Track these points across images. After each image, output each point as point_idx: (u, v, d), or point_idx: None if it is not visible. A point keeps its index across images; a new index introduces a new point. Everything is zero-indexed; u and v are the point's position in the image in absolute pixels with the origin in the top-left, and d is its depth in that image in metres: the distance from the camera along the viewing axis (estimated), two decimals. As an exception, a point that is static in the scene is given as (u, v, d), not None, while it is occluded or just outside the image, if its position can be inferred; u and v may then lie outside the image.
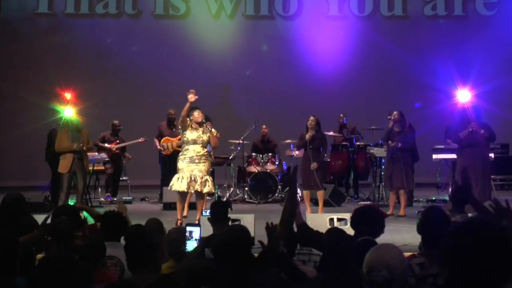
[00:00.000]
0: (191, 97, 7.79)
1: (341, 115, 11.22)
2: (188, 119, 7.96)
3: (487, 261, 1.77)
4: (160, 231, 4.49)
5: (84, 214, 5.49)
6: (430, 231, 3.43)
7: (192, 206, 8.39)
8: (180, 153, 8.01)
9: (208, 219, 5.09)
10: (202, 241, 4.30)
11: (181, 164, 7.90)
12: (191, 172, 7.81)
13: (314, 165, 8.63)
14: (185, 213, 8.50)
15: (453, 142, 9.18)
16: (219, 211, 4.92)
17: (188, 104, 7.85)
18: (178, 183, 7.81)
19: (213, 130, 8.05)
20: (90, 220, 5.30)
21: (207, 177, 7.90)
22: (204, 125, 8.00)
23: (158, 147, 10.48)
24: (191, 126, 7.95)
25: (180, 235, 4.20)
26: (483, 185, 8.33)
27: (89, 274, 2.42)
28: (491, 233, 1.81)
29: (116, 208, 5.04)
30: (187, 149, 7.90)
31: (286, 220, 3.64)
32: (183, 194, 7.95)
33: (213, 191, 8.31)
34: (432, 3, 13.71)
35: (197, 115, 7.96)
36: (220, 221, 4.82)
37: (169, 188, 8.19)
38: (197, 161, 7.85)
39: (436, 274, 3.17)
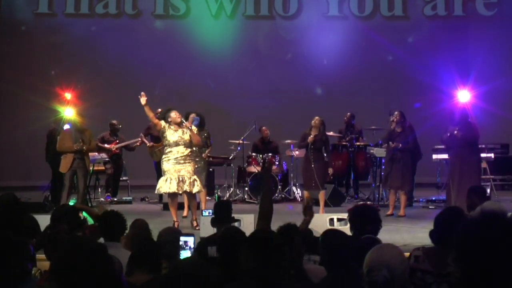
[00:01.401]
0: (142, 100, 7.58)
1: (348, 114, 11.15)
2: (161, 122, 7.74)
3: (500, 256, 1.72)
4: (147, 231, 4.51)
5: (84, 214, 5.49)
6: (436, 226, 3.57)
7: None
8: (164, 155, 7.79)
9: (212, 219, 5.14)
10: (203, 240, 4.32)
11: (166, 165, 7.69)
12: (178, 172, 7.63)
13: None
14: (184, 213, 8.50)
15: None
16: (223, 211, 5.00)
17: (145, 108, 7.63)
18: (167, 185, 7.64)
19: (193, 127, 7.90)
20: (90, 221, 5.30)
21: (195, 177, 7.75)
22: (184, 124, 7.74)
23: (144, 140, 10.23)
24: (170, 128, 7.71)
25: (172, 236, 4.22)
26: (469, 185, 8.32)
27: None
28: (503, 227, 1.78)
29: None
30: (170, 151, 7.67)
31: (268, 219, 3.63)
32: (173, 196, 7.77)
33: (202, 190, 8.18)
34: (432, 3, 13.69)
35: (174, 115, 7.70)
36: (224, 221, 4.90)
37: (156, 191, 8.05)
38: (182, 161, 7.66)
39: (425, 271, 3.20)
